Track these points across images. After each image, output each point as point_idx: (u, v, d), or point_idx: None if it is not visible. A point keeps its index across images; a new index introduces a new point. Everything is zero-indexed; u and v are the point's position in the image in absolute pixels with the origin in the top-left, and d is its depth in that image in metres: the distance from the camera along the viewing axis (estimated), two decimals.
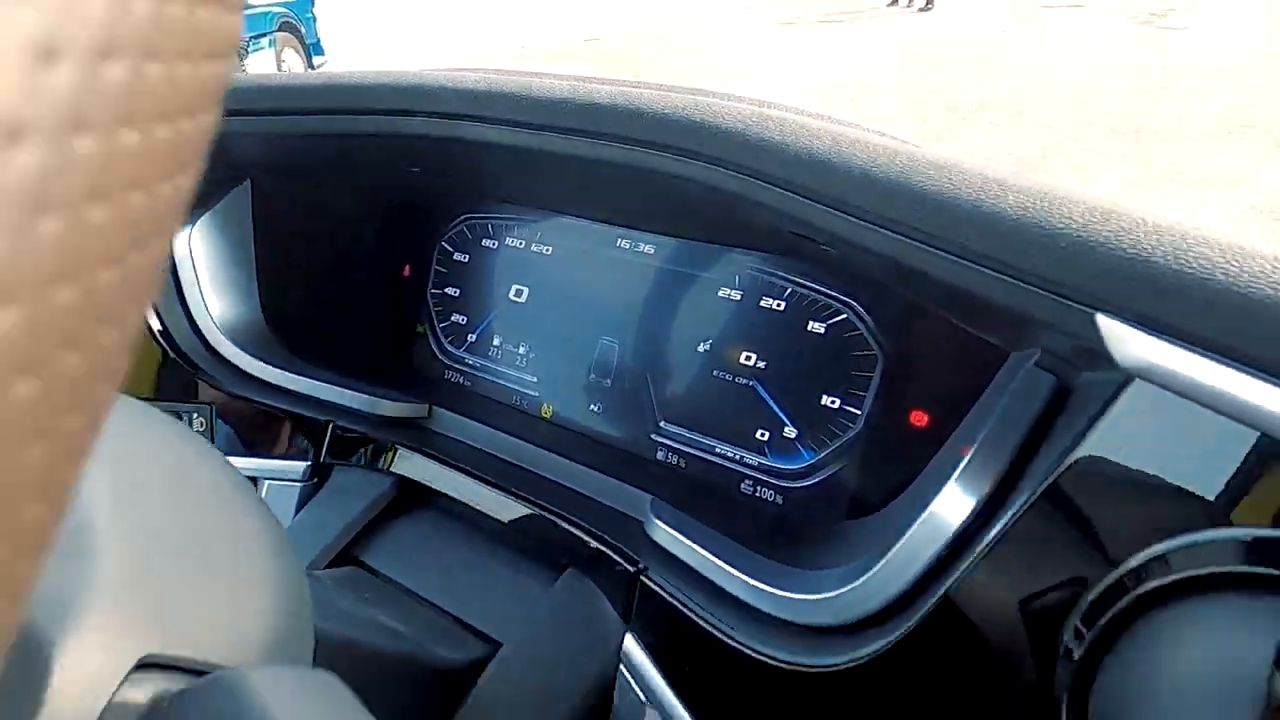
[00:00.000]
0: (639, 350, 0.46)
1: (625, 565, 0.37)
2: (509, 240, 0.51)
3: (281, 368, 0.50)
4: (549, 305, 0.51)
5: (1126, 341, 0.25)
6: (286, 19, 8.07)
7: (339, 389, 0.50)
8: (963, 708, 0.28)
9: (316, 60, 8.54)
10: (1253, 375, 0.23)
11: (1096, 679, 0.26)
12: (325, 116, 0.42)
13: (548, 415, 0.50)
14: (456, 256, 0.53)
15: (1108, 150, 4.81)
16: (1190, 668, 0.23)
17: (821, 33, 8.96)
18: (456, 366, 0.54)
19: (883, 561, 0.30)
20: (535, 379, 0.51)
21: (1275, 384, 0.23)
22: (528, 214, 0.50)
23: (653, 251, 0.46)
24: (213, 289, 0.50)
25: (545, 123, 0.38)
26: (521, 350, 0.51)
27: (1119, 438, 0.26)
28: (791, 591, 0.32)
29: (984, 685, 0.27)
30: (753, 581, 0.33)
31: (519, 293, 0.52)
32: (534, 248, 0.50)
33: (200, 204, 0.51)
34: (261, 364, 0.51)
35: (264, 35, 7.61)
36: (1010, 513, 0.27)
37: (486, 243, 0.51)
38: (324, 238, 0.55)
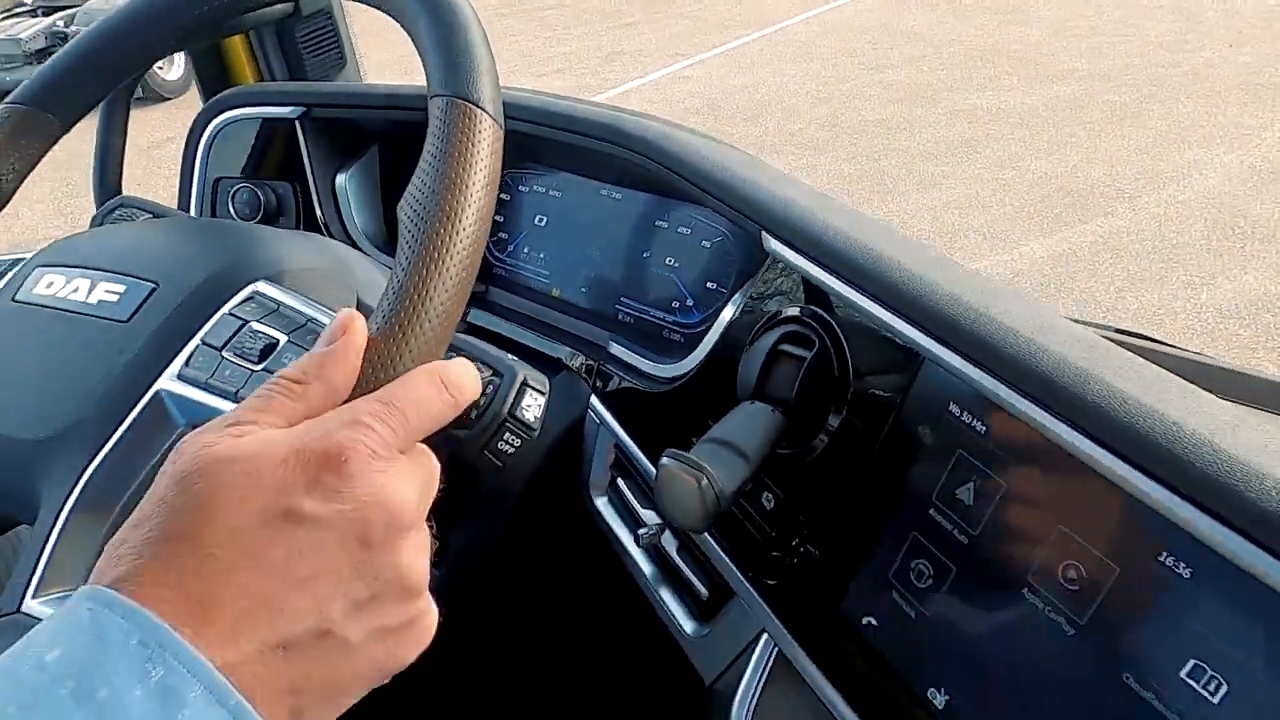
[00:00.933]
0: (610, 257, 0.71)
1: (592, 362, 0.65)
2: (535, 187, 0.77)
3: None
4: (558, 229, 0.76)
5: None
6: None
7: None
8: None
9: None
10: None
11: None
12: (413, 111, 0.67)
13: (556, 295, 0.76)
14: (501, 195, 0.78)
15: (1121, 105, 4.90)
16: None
17: None
18: (502, 264, 0.80)
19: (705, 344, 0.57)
20: (548, 273, 0.77)
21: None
22: (546, 171, 0.76)
23: (620, 198, 0.71)
24: (357, 210, 0.76)
25: (563, 126, 0.64)
26: (541, 255, 0.77)
27: None
28: (674, 365, 0.60)
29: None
30: (654, 363, 0.63)
31: (540, 220, 0.77)
32: (550, 193, 0.76)
33: (352, 157, 0.75)
34: (382, 254, 0.79)
35: None
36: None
37: (521, 187, 0.77)
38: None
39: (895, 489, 0.41)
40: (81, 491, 0.40)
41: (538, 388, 0.43)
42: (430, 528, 0.31)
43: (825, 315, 0.46)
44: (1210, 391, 0.36)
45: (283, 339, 0.43)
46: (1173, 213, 3.66)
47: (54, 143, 0.48)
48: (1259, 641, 0.28)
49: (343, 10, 0.89)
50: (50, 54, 5.89)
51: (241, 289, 0.45)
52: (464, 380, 0.33)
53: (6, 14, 6.30)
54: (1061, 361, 0.35)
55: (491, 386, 0.42)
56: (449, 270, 0.33)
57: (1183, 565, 0.31)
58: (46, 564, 0.39)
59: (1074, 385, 0.34)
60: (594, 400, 0.64)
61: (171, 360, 0.43)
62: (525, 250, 0.77)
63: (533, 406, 0.43)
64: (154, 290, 0.44)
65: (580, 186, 0.72)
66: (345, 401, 0.31)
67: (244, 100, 0.79)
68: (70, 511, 0.40)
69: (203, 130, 0.81)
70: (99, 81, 0.48)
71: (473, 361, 0.35)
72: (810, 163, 4.44)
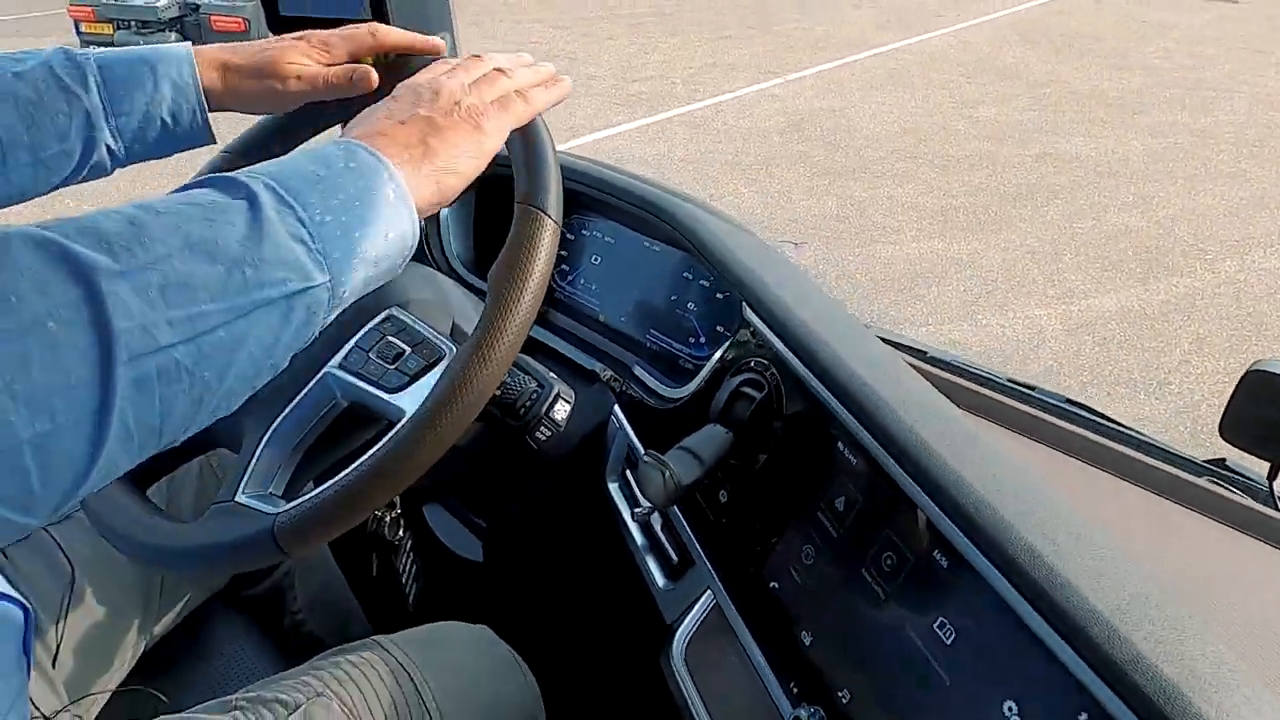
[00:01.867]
0: (646, 296, 0.86)
1: (619, 379, 0.80)
2: (595, 232, 0.92)
3: (480, 279, 0.93)
4: (608, 268, 0.91)
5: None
6: None
7: None
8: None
9: None
10: None
11: None
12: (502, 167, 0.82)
13: (601, 320, 0.91)
14: (567, 235, 0.94)
15: None
16: None
17: None
18: (562, 290, 0.96)
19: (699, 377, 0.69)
20: (598, 302, 0.92)
21: None
22: (604, 221, 0.90)
23: (658, 251, 0.85)
24: (455, 238, 0.97)
25: (616, 195, 0.80)
26: (593, 287, 0.92)
27: None
28: (679, 389, 0.73)
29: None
30: (664, 385, 0.77)
31: (596, 259, 0.92)
32: (605, 238, 0.91)
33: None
34: (470, 274, 0.96)
35: None
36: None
37: (584, 231, 0.93)
38: (502, 213, 0.96)
39: (801, 496, 0.56)
40: (273, 432, 0.58)
41: (566, 398, 0.62)
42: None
43: (775, 371, 0.61)
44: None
45: (407, 350, 0.60)
46: (1255, 280, 3.58)
47: None
48: (977, 611, 0.44)
49: None
50: (181, 21, 6.31)
51: (382, 311, 0.62)
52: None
53: None
54: (923, 445, 0.49)
55: (535, 394, 0.60)
56: (514, 323, 0.52)
57: (948, 563, 0.46)
58: (249, 476, 0.57)
59: (934, 467, 0.47)
60: (616, 408, 0.79)
61: (335, 354, 0.60)
62: (581, 281, 0.93)
63: (561, 410, 0.61)
64: None
65: (629, 237, 0.87)
66: None
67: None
68: (264, 444, 0.58)
69: None
70: (267, 152, 0.69)
71: (523, 374, 0.52)
72: (886, 193, 4.47)
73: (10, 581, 0.57)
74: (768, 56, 7.27)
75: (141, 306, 0.34)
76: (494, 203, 0.91)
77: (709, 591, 0.61)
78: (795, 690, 0.51)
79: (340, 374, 0.59)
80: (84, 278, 0.33)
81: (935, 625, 0.44)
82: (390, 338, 0.60)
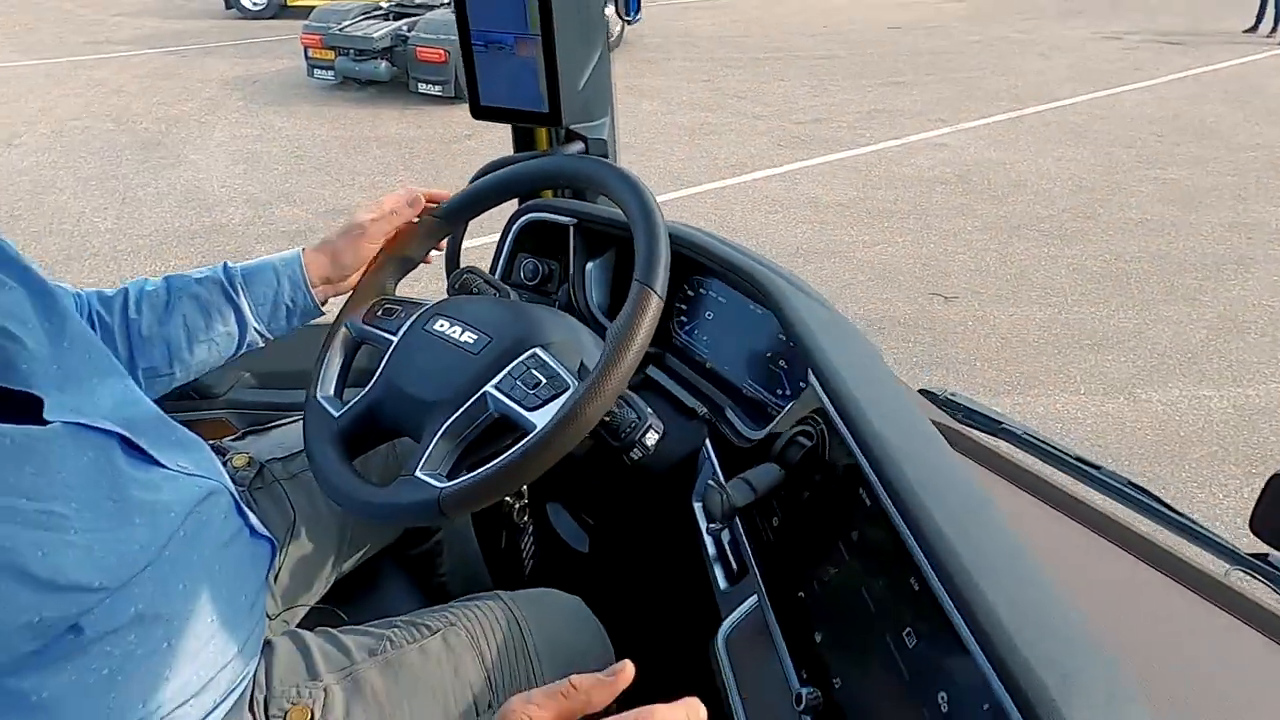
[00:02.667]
0: (748, 350, 0.98)
1: (713, 418, 0.94)
2: (711, 291, 1.04)
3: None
4: (719, 322, 1.03)
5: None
6: None
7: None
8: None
9: (632, 17, 9.33)
10: None
11: None
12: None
13: (708, 367, 1.03)
14: (688, 291, 1.08)
15: None
16: None
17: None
18: (679, 336, 1.08)
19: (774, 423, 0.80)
20: (708, 351, 1.04)
21: None
22: (719, 283, 1.02)
23: (760, 314, 0.95)
24: (595, 288, 1.11)
25: (724, 266, 0.95)
26: (704, 338, 1.04)
27: None
28: (758, 431, 0.85)
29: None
30: (747, 427, 0.89)
31: (709, 314, 1.04)
32: (719, 298, 1.03)
33: (599, 254, 1.11)
34: (606, 319, 1.10)
35: None
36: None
37: (702, 289, 1.05)
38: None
39: (830, 528, 0.67)
40: (444, 429, 0.76)
41: (657, 429, 0.77)
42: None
43: (825, 426, 0.72)
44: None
45: (543, 380, 0.76)
46: None
47: (443, 238, 0.96)
48: (930, 625, 0.54)
49: (615, 147, 1.20)
50: (391, 51, 7.02)
51: (529, 349, 0.78)
52: None
53: (365, 14, 7.57)
54: (924, 511, 0.58)
55: (633, 424, 0.76)
56: (618, 372, 0.70)
57: (918, 588, 0.55)
58: (425, 459, 0.75)
59: (928, 529, 0.57)
60: (708, 442, 0.92)
61: (493, 378, 0.77)
62: (696, 332, 1.06)
63: (651, 438, 0.76)
64: (490, 341, 0.80)
65: (738, 300, 0.99)
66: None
67: (542, 207, 1.15)
68: (438, 437, 0.76)
69: (515, 221, 1.19)
70: (475, 210, 0.96)
71: (628, 406, 0.65)
72: (1052, 252, 4.30)
73: (262, 521, 0.81)
74: (940, 104, 7.14)
75: None
76: (631, 260, 1.06)
77: (755, 595, 0.73)
78: (804, 676, 0.63)
79: (494, 393, 0.76)
80: None
81: (904, 633, 0.56)
82: (533, 370, 0.76)
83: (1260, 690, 0.61)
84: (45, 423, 0.62)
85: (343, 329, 0.90)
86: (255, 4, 11.00)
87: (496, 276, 1.18)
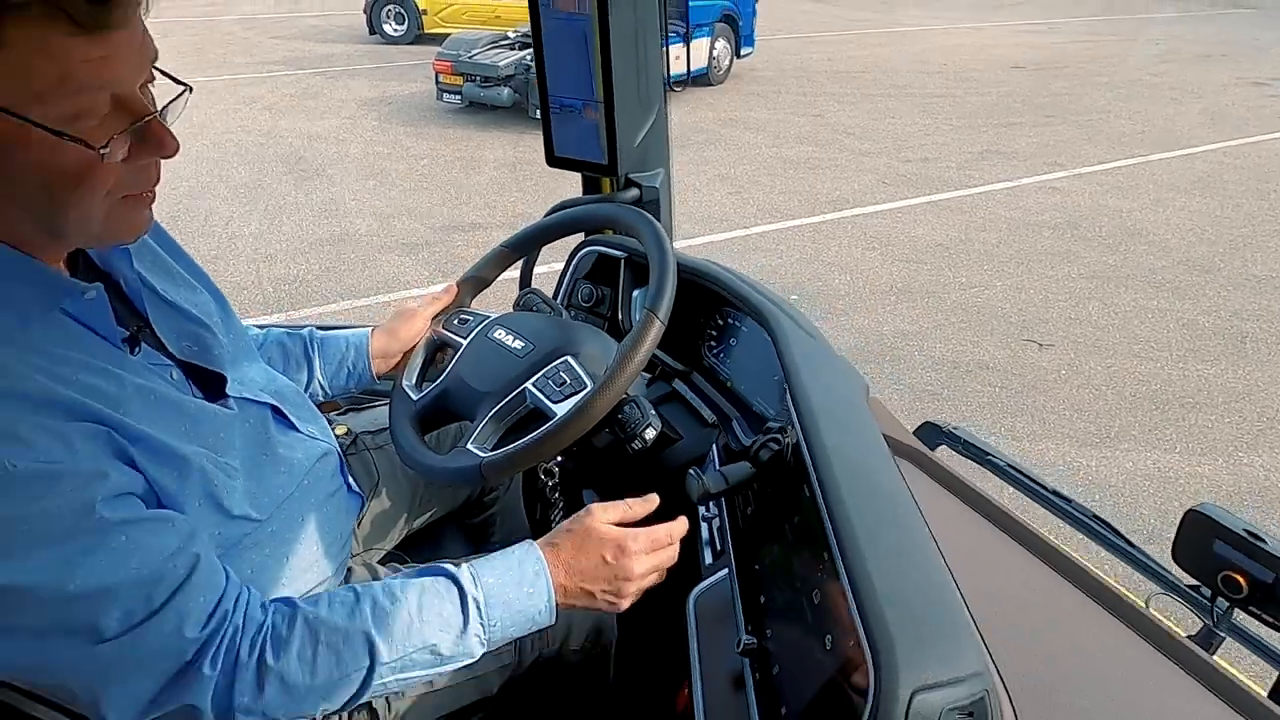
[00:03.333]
0: (762, 373, 1.12)
1: (719, 426, 1.12)
2: (735, 321, 1.20)
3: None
4: (742, 349, 1.18)
5: None
6: (729, 11, 9.11)
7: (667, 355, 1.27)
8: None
9: (745, 51, 9.56)
10: None
11: None
12: (689, 274, 1.16)
13: (729, 385, 1.20)
14: (719, 321, 1.24)
15: None
16: None
17: None
18: (708, 358, 1.25)
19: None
20: (730, 372, 1.20)
21: None
22: (744, 316, 1.16)
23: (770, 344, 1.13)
24: (639, 313, 1.23)
25: (738, 304, 1.10)
26: (728, 360, 1.21)
27: None
28: (751, 437, 0.99)
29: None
30: (745, 436, 1.07)
31: (733, 340, 1.20)
32: (743, 328, 1.18)
33: (645, 283, 1.26)
34: None
35: (705, 25, 8.73)
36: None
37: (731, 320, 1.21)
38: (678, 303, 1.29)
39: (782, 515, 0.81)
40: (491, 414, 0.96)
41: (655, 427, 0.94)
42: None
43: (791, 436, 0.86)
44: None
45: (568, 381, 0.95)
46: None
47: (511, 265, 1.17)
48: (831, 586, 0.68)
49: (669, 194, 1.37)
50: (513, 79, 7.46)
51: (562, 357, 0.98)
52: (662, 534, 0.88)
53: (493, 44, 8.04)
54: (843, 508, 0.71)
55: (637, 421, 0.92)
56: (619, 381, 0.89)
57: (827, 562, 0.68)
58: (475, 435, 0.96)
59: (841, 520, 0.70)
60: (714, 445, 1.08)
61: (531, 378, 0.96)
62: (722, 355, 1.22)
63: (650, 433, 0.94)
64: (533, 348, 1.01)
65: (757, 329, 1.11)
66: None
67: (599, 242, 1.36)
68: (486, 420, 0.96)
69: (577, 253, 1.40)
70: (536, 245, 1.18)
71: (637, 407, 0.81)
72: (1161, 305, 4.15)
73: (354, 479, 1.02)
74: (1057, 147, 6.96)
75: (391, 676, 0.76)
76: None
77: (726, 569, 0.88)
78: (749, 628, 0.79)
79: (531, 389, 0.96)
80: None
81: (813, 593, 0.70)
82: (561, 373, 0.96)
83: (1147, 699, 0.68)
84: (227, 396, 0.84)
85: (427, 333, 1.13)
86: (396, 30, 11.79)
87: (559, 298, 1.39)
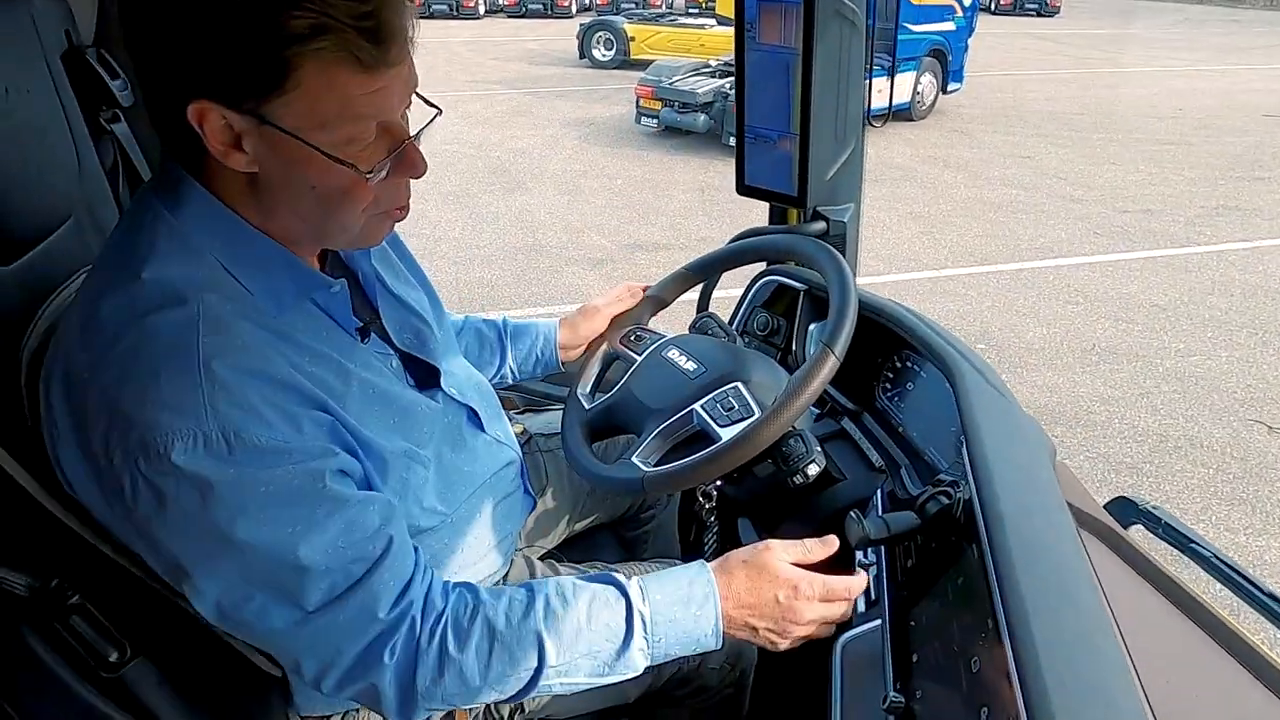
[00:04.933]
0: (934, 420, 1.09)
1: (884, 473, 1.09)
2: (915, 366, 1.16)
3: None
4: (918, 394, 1.14)
5: None
6: (938, 46, 8.79)
7: (838, 392, 1.27)
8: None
9: (951, 87, 9.18)
10: None
11: None
12: (870, 313, 1.15)
13: (900, 431, 1.17)
14: (897, 364, 1.21)
15: None
16: None
17: None
18: (881, 400, 1.22)
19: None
20: (903, 417, 1.17)
21: None
22: (922, 359, 1.13)
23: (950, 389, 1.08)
24: (813, 346, 1.29)
25: (922, 343, 1.04)
26: (903, 405, 1.17)
27: None
28: (920, 487, 1.02)
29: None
30: (915, 486, 1.02)
31: (910, 385, 1.17)
32: (922, 373, 1.15)
33: (823, 316, 1.25)
34: None
35: (912, 59, 8.47)
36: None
37: (910, 364, 1.18)
38: (854, 340, 1.27)
39: (945, 573, 0.79)
40: (658, 430, 0.98)
41: (819, 464, 0.94)
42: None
43: (963, 494, 0.81)
44: None
45: (736, 406, 0.95)
46: None
47: (691, 288, 1.21)
48: (990, 657, 0.65)
49: (857, 235, 1.36)
50: (710, 106, 7.60)
51: (732, 383, 0.98)
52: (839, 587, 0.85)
53: (695, 71, 8.24)
54: (1015, 588, 0.65)
55: (801, 454, 0.93)
56: (787, 413, 0.89)
57: (992, 622, 0.66)
58: (640, 449, 0.98)
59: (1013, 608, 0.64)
60: (879, 490, 1.05)
61: (700, 400, 0.97)
62: (896, 399, 1.19)
63: (813, 469, 0.94)
64: (705, 371, 1.02)
65: (937, 376, 1.07)
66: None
67: (781, 272, 1.36)
68: (652, 435, 0.98)
69: (757, 281, 1.41)
70: (717, 270, 1.22)
71: (803, 442, 0.84)
72: None
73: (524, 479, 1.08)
74: None
75: (556, 679, 0.78)
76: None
77: (880, 619, 0.84)
78: (898, 685, 0.75)
79: (699, 410, 0.96)
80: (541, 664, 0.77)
81: (972, 660, 0.66)
82: (730, 398, 0.96)
83: None
84: (438, 388, 0.91)
85: (604, 346, 1.17)
86: (604, 55, 12.37)
87: (735, 324, 1.39)
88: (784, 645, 0.84)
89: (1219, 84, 11.33)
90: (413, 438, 0.83)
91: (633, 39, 12.03)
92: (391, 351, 0.87)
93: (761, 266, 1.39)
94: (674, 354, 1.06)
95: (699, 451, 0.91)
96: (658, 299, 1.22)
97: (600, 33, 12.45)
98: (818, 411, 1.26)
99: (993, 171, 7.19)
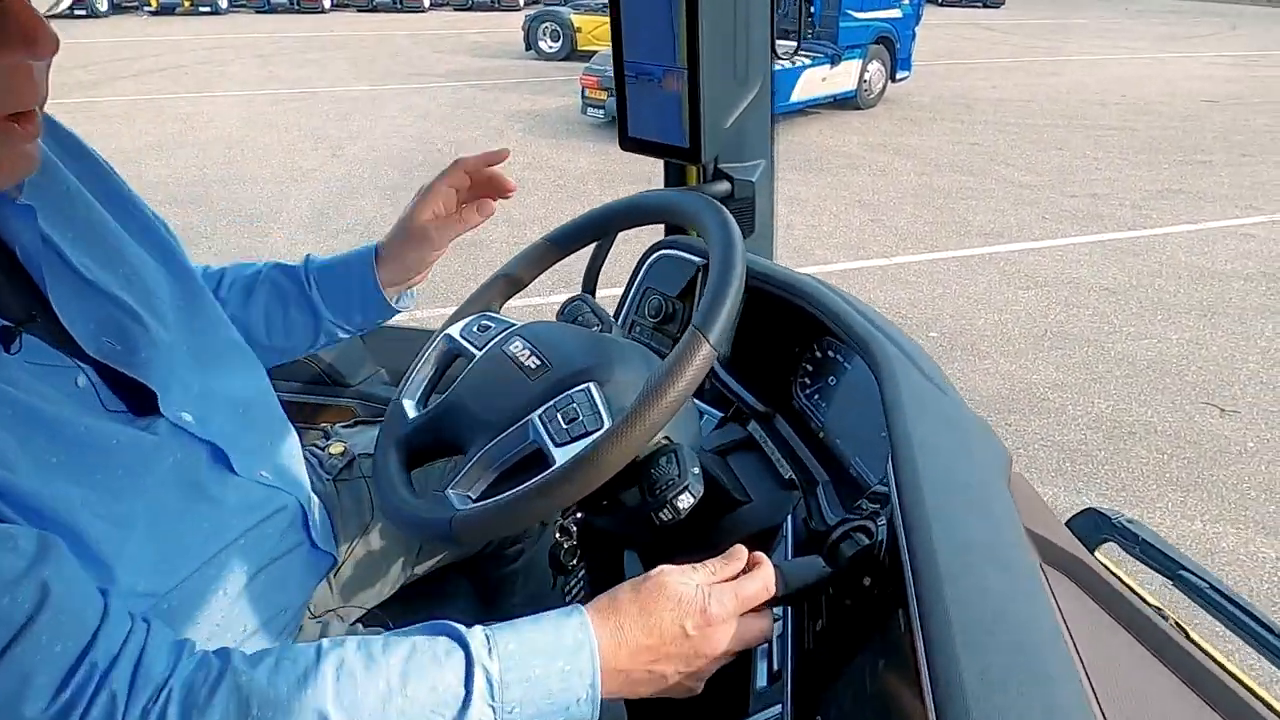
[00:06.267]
0: (861, 421, 0.90)
1: (802, 490, 0.90)
2: (839, 356, 0.95)
3: (729, 374, 1.06)
4: (842, 391, 0.95)
5: None
6: (885, 34, 8.74)
7: (744, 389, 1.04)
8: None
9: (900, 75, 9.13)
10: None
11: None
12: (766, 284, 0.95)
13: (821, 436, 0.97)
14: (818, 353, 1.00)
15: None
16: None
17: None
18: (799, 400, 1.01)
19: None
20: (823, 419, 0.97)
21: None
22: (846, 349, 0.94)
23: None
24: None
25: (841, 326, 0.86)
26: (824, 404, 0.96)
27: None
28: (837, 514, 0.82)
29: None
30: (828, 507, 0.85)
31: (832, 380, 0.96)
32: (846, 363, 0.95)
33: None
34: (721, 369, 1.07)
35: (858, 46, 8.39)
36: None
37: (830, 353, 0.97)
38: (767, 327, 1.04)
39: (863, 650, 0.60)
40: (483, 452, 0.73)
41: (694, 494, 0.72)
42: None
43: (888, 532, 0.62)
44: None
45: (581, 417, 0.71)
46: None
47: (555, 263, 0.92)
48: None
49: (771, 200, 1.13)
50: None
51: (584, 384, 0.74)
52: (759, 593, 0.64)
53: None
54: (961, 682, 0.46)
55: (671, 482, 0.71)
56: (645, 422, 0.64)
57: None
58: (459, 477, 0.74)
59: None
60: (790, 517, 0.85)
61: (540, 407, 0.73)
62: (816, 396, 0.97)
63: (685, 501, 0.71)
64: (549, 369, 0.77)
65: (864, 368, 0.87)
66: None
67: (674, 245, 1.12)
68: (475, 460, 0.74)
69: (648, 256, 1.16)
70: (584, 239, 0.93)
71: (675, 462, 0.68)
72: None
73: (330, 522, 0.83)
74: (1255, 189, 6.17)
75: None
76: (756, 313, 0.97)
77: (779, 706, 0.63)
78: None
79: (537, 422, 0.72)
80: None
81: None
82: (576, 404, 0.72)
83: None
84: (157, 416, 0.66)
85: (440, 339, 0.89)
86: (550, 47, 12.12)
87: (622, 311, 1.15)
88: (700, 687, 0.65)
89: (1160, 71, 11.48)
90: (95, 483, 0.59)
91: (579, 30, 11.80)
92: (72, 363, 0.62)
93: (656, 240, 1.15)
94: (516, 346, 0.81)
95: (525, 483, 0.67)
96: (511, 278, 0.93)
97: (546, 24, 12.19)
98: (721, 416, 1.04)
99: (941, 158, 7.13)
